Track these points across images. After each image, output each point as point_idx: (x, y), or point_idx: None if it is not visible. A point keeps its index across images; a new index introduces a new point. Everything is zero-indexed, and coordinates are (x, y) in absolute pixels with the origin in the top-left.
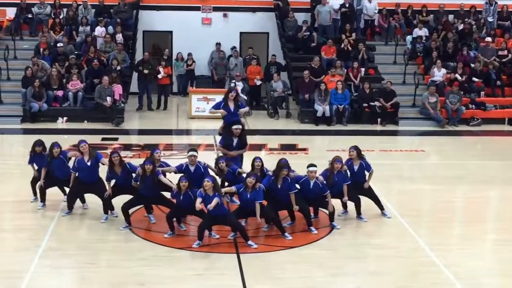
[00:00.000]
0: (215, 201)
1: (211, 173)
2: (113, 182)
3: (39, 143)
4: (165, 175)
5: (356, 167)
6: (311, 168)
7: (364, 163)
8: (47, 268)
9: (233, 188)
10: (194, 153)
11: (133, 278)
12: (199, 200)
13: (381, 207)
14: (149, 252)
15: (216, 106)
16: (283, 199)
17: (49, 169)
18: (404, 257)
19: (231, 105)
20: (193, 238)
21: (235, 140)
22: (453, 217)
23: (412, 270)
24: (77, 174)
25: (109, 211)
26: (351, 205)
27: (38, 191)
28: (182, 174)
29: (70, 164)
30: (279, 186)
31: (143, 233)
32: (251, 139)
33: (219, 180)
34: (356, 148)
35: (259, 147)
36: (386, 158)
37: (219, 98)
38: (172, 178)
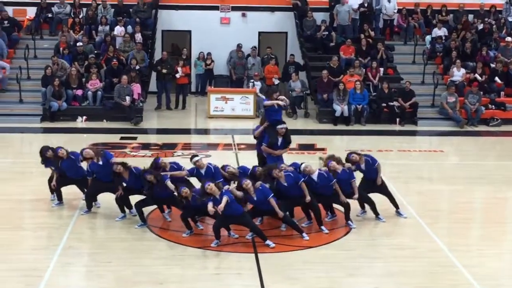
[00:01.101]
0: (224, 200)
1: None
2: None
3: (46, 148)
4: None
5: (363, 165)
6: (302, 166)
7: (370, 158)
8: (65, 266)
9: (239, 194)
10: (197, 158)
11: (150, 277)
12: (210, 204)
13: (396, 205)
14: (167, 251)
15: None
16: (294, 194)
17: (61, 172)
18: (422, 257)
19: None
20: (211, 237)
21: (280, 139)
22: (472, 217)
23: (430, 271)
24: (94, 176)
25: (128, 210)
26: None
27: (56, 194)
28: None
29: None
30: (286, 184)
31: (161, 232)
32: None
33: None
34: (353, 152)
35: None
36: (405, 158)
37: (237, 97)
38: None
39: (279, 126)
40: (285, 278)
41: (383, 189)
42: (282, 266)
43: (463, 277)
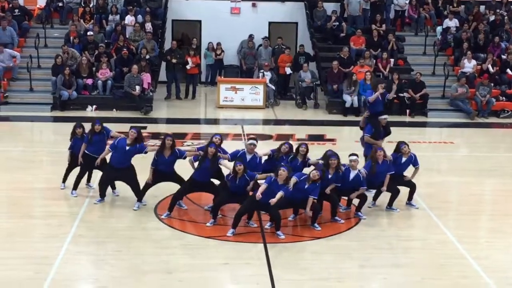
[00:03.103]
0: (279, 194)
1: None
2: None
3: (80, 125)
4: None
5: (404, 159)
6: (352, 157)
7: (414, 157)
8: (75, 255)
9: (294, 179)
10: (254, 142)
11: (160, 266)
12: (263, 186)
13: (411, 197)
14: (177, 240)
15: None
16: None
17: (88, 145)
18: (432, 249)
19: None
20: (221, 227)
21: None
22: (482, 210)
23: (440, 263)
24: (110, 154)
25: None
26: (381, 196)
27: (75, 180)
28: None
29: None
30: (329, 176)
31: (172, 222)
32: (279, 129)
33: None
34: (406, 143)
35: (287, 137)
36: (415, 149)
37: (247, 88)
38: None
39: (382, 117)
40: (294, 269)
41: (410, 183)
42: (291, 256)
43: (472, 269)
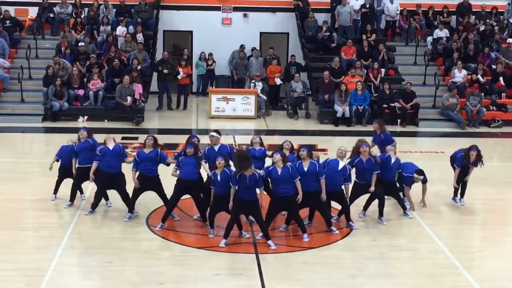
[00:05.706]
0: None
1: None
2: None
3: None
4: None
5: (392, 160)
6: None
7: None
8: (67, 266)
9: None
10: (213, 133)
11: (152, 277)
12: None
13: (403, 206)
14: (169, 251)
15: None
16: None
17: (75, 155)
18: (423, 259)
19: None
20: (214, 238)
21: None
22: (473, 219)
23: (431, 272)
24: (98, 163)
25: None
26: (371, 206)
27: (71, 191)
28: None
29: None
30: (305, 169)
31: (164, 233)
32: (271, 139)
33: None
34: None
35: (279, 148)
36: (406, 159)
37: (238, 98)
38: None
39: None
40: (286, 279)
41: (395, 193)
42: (283, 267)
43: (463, 278)
